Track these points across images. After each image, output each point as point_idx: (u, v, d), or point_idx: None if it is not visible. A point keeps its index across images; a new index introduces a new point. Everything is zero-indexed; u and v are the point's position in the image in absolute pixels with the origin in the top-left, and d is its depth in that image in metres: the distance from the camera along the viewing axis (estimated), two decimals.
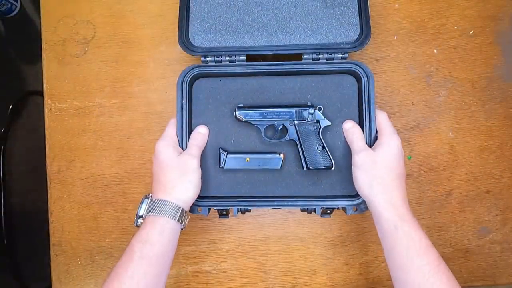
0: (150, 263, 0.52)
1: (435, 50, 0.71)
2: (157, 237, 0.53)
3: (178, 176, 0.57)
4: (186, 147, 0.60)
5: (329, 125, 0.61)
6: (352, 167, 0.58)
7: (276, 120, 0.61)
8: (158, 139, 0.60)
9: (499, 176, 0.69)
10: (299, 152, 0.60)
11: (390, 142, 0.56)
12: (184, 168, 0.57)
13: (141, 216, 0.56)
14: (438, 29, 0.71)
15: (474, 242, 0.69)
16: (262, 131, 0.62)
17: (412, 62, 0.71)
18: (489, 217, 0.69)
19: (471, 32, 0.71)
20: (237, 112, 0.61)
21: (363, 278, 0.69)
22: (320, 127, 0.60)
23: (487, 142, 0.70)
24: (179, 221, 0.55)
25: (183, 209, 0.56)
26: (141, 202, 0.57)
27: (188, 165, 0.57)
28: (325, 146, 0.60)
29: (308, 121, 0.60)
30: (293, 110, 0.61)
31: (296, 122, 0.61)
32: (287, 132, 0.61)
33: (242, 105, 0.62)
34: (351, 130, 0.60)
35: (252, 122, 0.61)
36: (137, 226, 0.56)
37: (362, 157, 0.56)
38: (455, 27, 0.71)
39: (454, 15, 0.72)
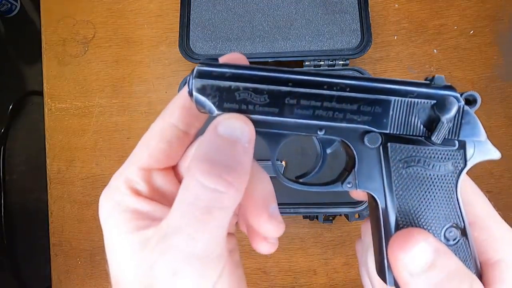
0: None
1: (435, 50, 0.71)
2: None
3: None
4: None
5: None
6: None
7: None
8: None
9: (499, 176, 0.69)
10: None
11: None
12: None
13: None
14: (438, 29, 0.71)
15: None
16: None
17: (412, 62, 0.71)
18: None
19: (471, 32, 0.71)
20: None
21: None
22: None
23: None
24: None
25: None
26: None
27: None
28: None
29: None
30: None
31: None
32: None
33: None
34: None
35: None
36: None
37: None
38: (455, 27, 0.71)
39: (454, 15, 0.72)
